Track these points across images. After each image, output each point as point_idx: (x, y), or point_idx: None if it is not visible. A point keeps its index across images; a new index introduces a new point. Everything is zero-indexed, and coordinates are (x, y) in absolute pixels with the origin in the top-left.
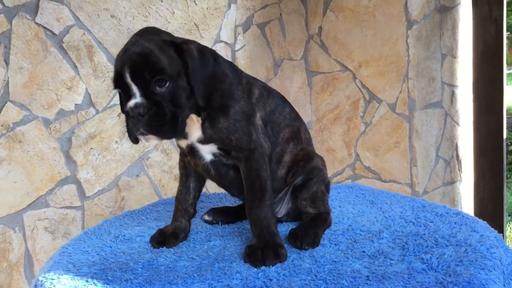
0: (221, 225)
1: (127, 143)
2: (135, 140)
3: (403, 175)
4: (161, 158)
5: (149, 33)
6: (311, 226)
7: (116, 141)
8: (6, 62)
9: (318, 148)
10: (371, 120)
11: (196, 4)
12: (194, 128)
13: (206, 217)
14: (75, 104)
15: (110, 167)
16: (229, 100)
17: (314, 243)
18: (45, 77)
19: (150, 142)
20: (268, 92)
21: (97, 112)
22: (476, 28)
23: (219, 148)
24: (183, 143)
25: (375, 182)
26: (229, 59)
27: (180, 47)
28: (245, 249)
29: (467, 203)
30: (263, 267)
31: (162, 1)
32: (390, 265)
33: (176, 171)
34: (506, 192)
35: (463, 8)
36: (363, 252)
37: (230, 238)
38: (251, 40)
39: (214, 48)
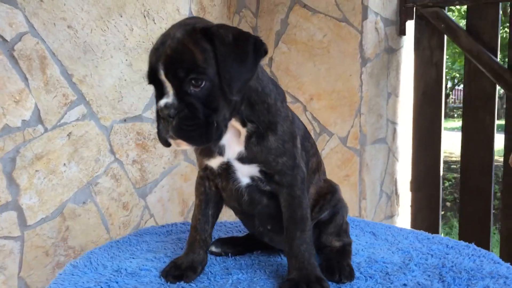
0: (231, 256)
1: (76, 166)
2: (166, 143)
3: (352, 208)
4: (111, 184)
5: (185, 23)
6: (342, 259)
7: (64, 164)
8: None
9: None
10: (321, 153)
11: (155, 23)
12: (235, 141)
13: (214, 249)
14: (22, 120)
15: (55, 193)
16: (277, 117)
17: (351, 276)
18: None
19: (181, 148)
20: (297, 117)
21: (46, 130)
22: (418, 70)
23: (260, 171)
24: (215, 161)
25: None
26: None
27: (210, 32)
28: (285, 283)
29: None
30: None
31: (121, 16)
32: None
33: (125, 199)
34: (441, 227)
35: (406, 51)
36: (405, 285)
37: (251, 271)
38: None
39: None
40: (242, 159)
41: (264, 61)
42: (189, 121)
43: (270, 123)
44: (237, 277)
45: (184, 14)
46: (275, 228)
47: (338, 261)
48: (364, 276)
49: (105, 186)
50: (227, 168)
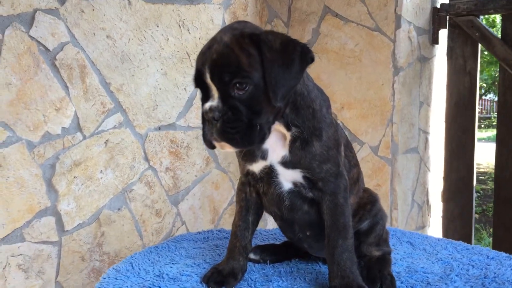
0: (269, 264)
1: (112, 173)
2: (210, 145)
3: None
4: (144, 191)
5: (233, 28)
6: (383, 268)
7: (101, 171)
8: None
9: None
10: None
11: (189, 33)
12: (279, 145)
13: (253, 256)
14: (62, 127)
15: (92, 199)
16: (322, 123)
17: (393, 285)
18: (33, 95)
19: (225, 150)
20: (340, 127)
21: (84, 137)
22: (451, 79)
23: (304, 177)
24: (258, 165)
25: None
26: None
27: (258, 38)
28: None
29: None
30: None
31: (158, 27)
32: None
33: (158, 206)
34: (474, 238)
35: (438, 60)
36: None
37: (291, 279)
38: None
39: None
40: (285, 163)
41: None
42: (232, 123)
43: (315, 129)
44: (277, 284)
45: (217, 24)
46: (315, 235)
47: (379, 270)
48: (406, 286)
49: (139, 193)
50: (269, 172)
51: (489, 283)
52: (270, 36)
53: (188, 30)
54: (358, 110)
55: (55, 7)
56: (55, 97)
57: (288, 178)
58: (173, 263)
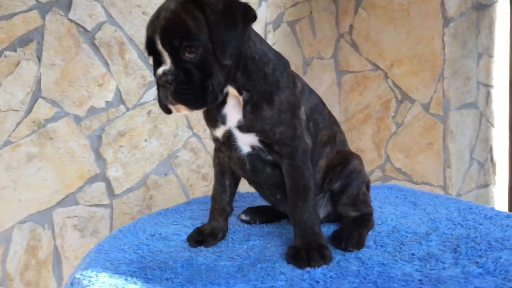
0: (259, 224)
1: (156, 141)
2: (166, 110)
3: (436, 177)
4: (189, 157)
5: None
6: (354, 228)
7: (145, 139)
8: (39, 58)
9: None
10: (403, 121)
11: None
12: (236, 110)
13: (243, 217)
14: (106, 101)
15: (139, 166)
16: (274, 87)
17: (359, 244)
18: (76, 74)
19: (181, 113)
20: (310, 89)
21: (127, 109)
22: None
23: (260, 141)
24: (220, 131)
25: (406, 184)
26: None
27: (202, 2)
28: (289, 250)
29: (501, 207)
30: (308, 269)
31: None
32: (443, 268)
33: (204, 171)
34: None
35: (500, 6)
36: (413, 254)
37: (269, 238)
38: (281, 38)
39: None
40: (241, 127)
41: (344, 29)
42: (185, 85)
43: (266, 92)
44: (253, 243)
45: None
46: (284, 197)
47: (349, 230)
48: (376, 245)
49: (184, 158)
50: (229, 137)
51: (466, 243)
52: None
53: None
54: (408, 66)
55: None
56: (97, 73)
57: (245, 142)
58: (173, 224)
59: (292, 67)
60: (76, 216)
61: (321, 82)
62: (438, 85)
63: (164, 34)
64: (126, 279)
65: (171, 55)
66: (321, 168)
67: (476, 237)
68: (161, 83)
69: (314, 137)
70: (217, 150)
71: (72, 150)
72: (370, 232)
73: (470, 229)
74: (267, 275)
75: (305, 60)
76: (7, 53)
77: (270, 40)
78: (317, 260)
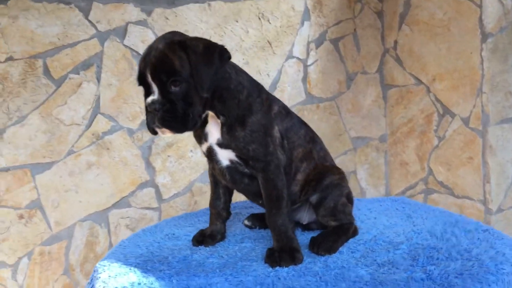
0: (258, 229)
1: (200, 152)
2: (153, 132)
3: (476, 192)
4: None
5: (165, 37)
6: (331, 235)
7: (191, 150)
8: (98, 79)
9: (392, 161)
10: (444, 135)
11: (270, 23)
12: (214, 129)
13: (246, 222)
14: None
15: (185, 174)
16: (246, 111)
17: (331, 249)
18: (130, 92)
19: (165, 135)
20: (287, 112)
21: None
22: None
23: (237, 156)
24: (204, 146)
25: (448, 198)
26: (301, 74)
27: (185, 44)
28: (266, 252)
29: None
30: (277, 268)
31: (237, 22)
32: (393, 273)
33: None
34: None
35: None
36: (375, 260)
37: (260, 241)
38: (323, 55)
39: (285, 63)
40: (220, 144)
41: (389, 44)
42: (170, 113)
43: (238, 116)
44: (245, 245)
45: (299, 10)
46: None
47: (325, 236)
48: (347, 252)
49: None
50: (211, 151)
51: (430, 252)
52: (195, 42)
53: (268, 21)
54: (449, 81)
55: (143, 19)
56: None
57: (224, 156)
58: (189, 227)
59: (335, 83)
60: (128, 217)
61: (365, 96)
62: (477, 100)
63: (154, 70)
64: (129, 269)
65: (159, 87)
66: (299, 182)
67: (442, 248)
68: (150, 110)
69: (289, 153)
70: (209, 162)
71: (125, 159)
72: (350, 240)
73: (442, 240)
74: (242, 271)
75: (349, 75)
76: (71, 75)
77: (312, 58)
78: (287, 260)
